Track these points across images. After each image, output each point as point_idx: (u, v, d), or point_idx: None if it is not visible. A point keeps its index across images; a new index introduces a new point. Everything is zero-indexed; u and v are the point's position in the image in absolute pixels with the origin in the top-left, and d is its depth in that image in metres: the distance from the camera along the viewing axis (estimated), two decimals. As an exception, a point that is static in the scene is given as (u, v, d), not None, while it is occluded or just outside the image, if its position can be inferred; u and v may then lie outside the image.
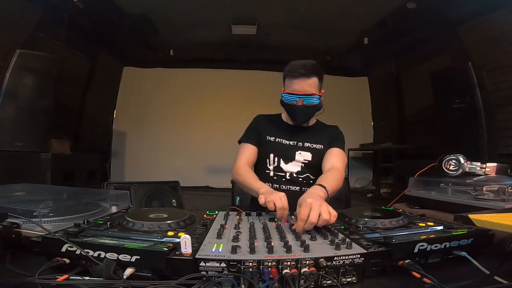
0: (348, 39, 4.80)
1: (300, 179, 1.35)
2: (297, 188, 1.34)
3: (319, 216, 0.71)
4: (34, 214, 0.74)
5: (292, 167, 1.35)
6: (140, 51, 5.32)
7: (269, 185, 1.25)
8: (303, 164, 1.35)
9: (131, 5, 3.91)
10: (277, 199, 0.87)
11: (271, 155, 1.35)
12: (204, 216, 0.86)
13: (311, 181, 1.35)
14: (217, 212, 0.91)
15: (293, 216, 0.89)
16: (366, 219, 0.78)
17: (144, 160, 5.40)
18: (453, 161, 1.26)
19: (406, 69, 4.97)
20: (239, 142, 1.40)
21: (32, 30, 3.33)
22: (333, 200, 1.72)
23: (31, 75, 3.05)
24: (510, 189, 0.97)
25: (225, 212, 0.88)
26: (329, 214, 0.72)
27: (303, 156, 1.35)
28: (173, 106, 5.57)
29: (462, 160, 1.24)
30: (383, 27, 4.23)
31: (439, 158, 1.30)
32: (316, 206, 0.73)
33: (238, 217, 0.86)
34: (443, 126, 3.64)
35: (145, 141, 5.48)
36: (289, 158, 1.35)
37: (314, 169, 1.35)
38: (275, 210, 0.88)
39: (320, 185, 0.99)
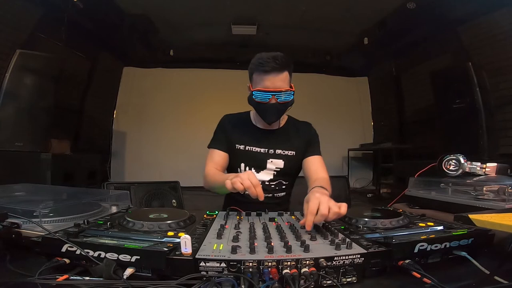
0: (348, 39, 4.80)
1: (273, 186, 1.30)
2: (269, 195, 1.29)
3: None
4: (34, 214, 0.74)
5: (263, 176, 1.29)
6: (140, 51, 5.31)
7: None
8: (275, 172, 1.29)
9: (131, 5, 3.91)
10: (244, 179, 0.83)
11: (242, 165, 1.29)
12: (204, 216, 0.86)
13: (283, 187, 1.33)
14: (217, 212, 0.91)
15: (293, 216, 0.89)
16: (366, 219, 0.78)
17: (144, 160, 5.39)
18: (453, 161, 1.26)
19: (406, 69, 4.97)
20: (208, 147, 1.33)
21: (32, 30, 3.33)
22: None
23: (31, 75, 3.05)
24: (510, 189, 0.97)
25: (225, 212, 0.88)
26: (338, 207, 0.74)
27: (274, 164, 1.28)
28: (173, 106, 5.56)
29: (462, 160, 1.24)
30: (383, 27, 4.23)
31: (439, 158, 1.30)
32: (324, 201, 0.74)
33: (238, 217, 0.86)
34: (443, 126, 3.65)
35: (145, 141, 5.47)
36: (261, 167, 1.28)
37: (286, 175, 1.31)
38: (245, 192, 0.85)
39: (321, 186, 0.98)
